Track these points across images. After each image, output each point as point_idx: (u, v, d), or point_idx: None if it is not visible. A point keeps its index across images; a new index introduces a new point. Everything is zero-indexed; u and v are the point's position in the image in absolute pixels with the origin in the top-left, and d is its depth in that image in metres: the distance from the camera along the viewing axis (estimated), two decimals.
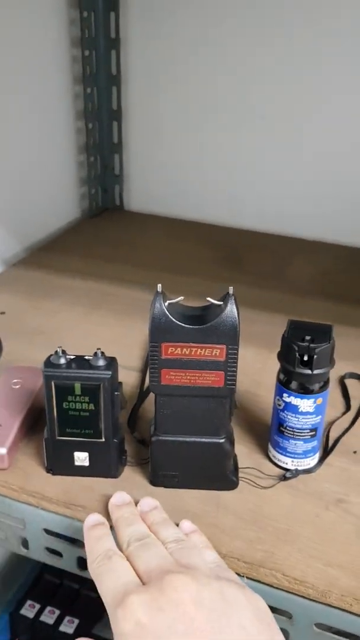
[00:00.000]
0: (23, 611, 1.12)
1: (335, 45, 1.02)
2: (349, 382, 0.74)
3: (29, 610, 1.12)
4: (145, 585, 0.44)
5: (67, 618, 1.12)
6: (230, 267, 1.03)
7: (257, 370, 0.74)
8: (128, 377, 0.73)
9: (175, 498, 0.58)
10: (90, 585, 1.12)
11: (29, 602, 1.13)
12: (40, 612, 1.12)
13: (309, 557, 0.53)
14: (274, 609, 0.49)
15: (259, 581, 0.52)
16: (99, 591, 0.46)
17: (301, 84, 1.06)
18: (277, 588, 0.51)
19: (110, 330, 0.84)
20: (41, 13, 1.01)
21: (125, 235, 1.16)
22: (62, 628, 1.10)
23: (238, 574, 0.52)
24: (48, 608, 1.13)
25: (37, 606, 1.13)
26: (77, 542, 0.58)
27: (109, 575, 0.46)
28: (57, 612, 1.12)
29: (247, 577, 0.52)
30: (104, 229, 1.18)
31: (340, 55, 1.02)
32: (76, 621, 1.11)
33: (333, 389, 0.73)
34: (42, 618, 1.11)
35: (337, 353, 0.79)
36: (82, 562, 0.59)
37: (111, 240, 1.14)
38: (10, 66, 0.96)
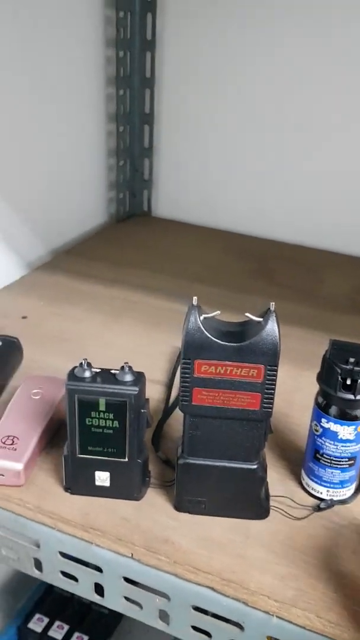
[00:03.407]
0: (31, 625, 1.08)
1: None
2: None
3: (37, 624, 1.08)
4: None
5: (76, 634, 1.08)
6: (260, 278, 0.99)
7: (290, 388, 0.70)
8: (151, 391, 0.69)
9: (200, 526, 0.54)
10: None
11: (37, 615, 1.10)
12: (48, 626, 1.08)
13: (345, 598, 0.49)
14: None
15: (290, 622, 0.48)
16: None
17: (339, 95, 1.02)
18: (310, 630, 0.47)
19: (133, 340, 0.80)
20: (76, 12, 0.98)
21: (152, 242, 1.12)
22: None
23: (267, 613, 0.48)
24: (57, 623, 1.09)
25: (46, 620, 1.09)
26: (94, 566, 0.54)
27: None
28: (66, 627, 1.08)
29: (277, 617, 0.48)
30: (131, 235, 1.15)
31: None
32: (85, 638, 1.07)
33: None
34: (51, 633, 1.07)
35: None
36: (99, 588, 0.56)
37: (137, 247, 1.10)
38: (43, 65, 0.93)
